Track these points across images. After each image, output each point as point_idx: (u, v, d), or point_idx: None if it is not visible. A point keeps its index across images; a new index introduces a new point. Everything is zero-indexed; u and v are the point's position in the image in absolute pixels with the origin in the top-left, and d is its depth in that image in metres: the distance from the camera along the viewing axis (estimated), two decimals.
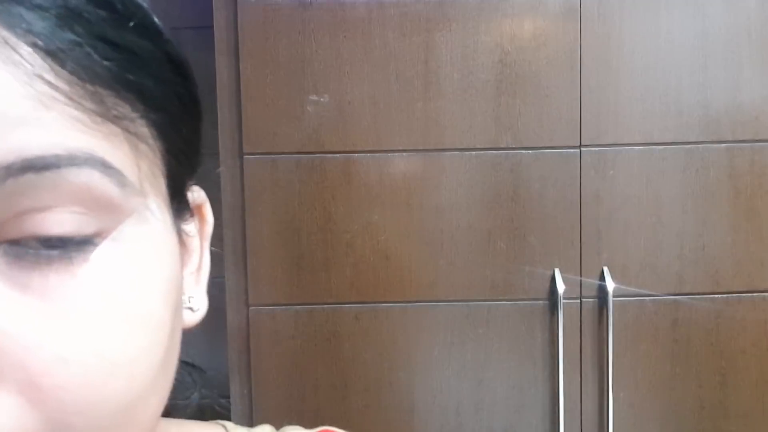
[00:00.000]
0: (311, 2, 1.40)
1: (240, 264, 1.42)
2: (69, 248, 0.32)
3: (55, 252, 0.31)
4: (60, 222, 0.31)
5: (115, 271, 0.33)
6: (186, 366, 0.50)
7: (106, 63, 0.32)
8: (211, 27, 1.42)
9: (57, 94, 0.31)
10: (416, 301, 1.44)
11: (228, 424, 0.52)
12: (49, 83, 0.31)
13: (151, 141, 0.35)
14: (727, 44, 1.39)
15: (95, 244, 0.32)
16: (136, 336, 0.33)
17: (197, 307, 0.42)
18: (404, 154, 1.42)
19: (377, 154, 1.42)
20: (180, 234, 0.40)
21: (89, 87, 0.32)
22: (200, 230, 0.43)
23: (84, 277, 0.32)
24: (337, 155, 1.42)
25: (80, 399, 0.31)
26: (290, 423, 0.55)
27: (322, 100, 1.41)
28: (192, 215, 0.42)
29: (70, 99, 0.31)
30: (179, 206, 0.39)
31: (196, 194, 0.43)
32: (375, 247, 1.43)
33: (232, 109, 1.41)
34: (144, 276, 0.34)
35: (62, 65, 0.31)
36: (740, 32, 1.39)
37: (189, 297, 0.42)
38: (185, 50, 0.38)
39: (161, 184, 0.37)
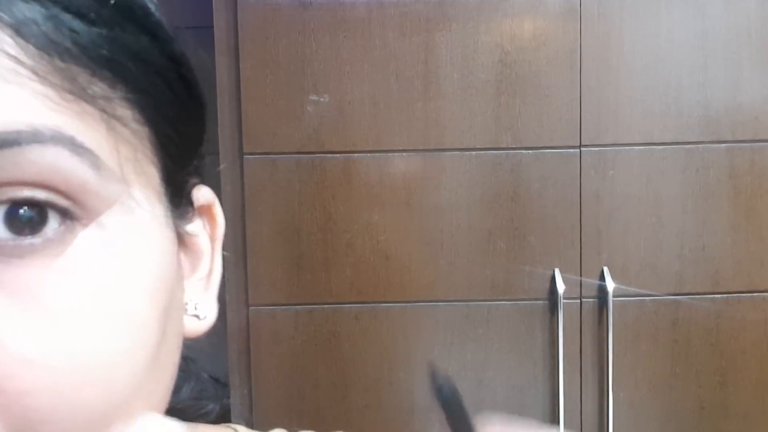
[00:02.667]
0: (311, 2, 1.40)
1: (240, 264, 1.42)
2: (42, 237, 0.29)
3: (26, 241, 0.29)
4: (28, 200, 0.29)
5: (94, 265, 0.30)
6: (210, 379, 0.49)
7: (77, 37, 0.30)
8: (211, 27, 1.41)
9: (20, 68, 0.28)
10: (416, 301, 1.43)
11: (239, 427, 0.51)
12: (11, 57, 0.28)
13: (133, 125, 0.33)
14: (727, 44, 1.39)
15: (72, 234, 0.30)
16: (115, 337, 0.30)
17: (204, 314, 0.39)
18: (404, 154, 1.42)
19: (377, 154, 1.42)
20: (181, 233, 0.37)
21: (58, 62, 0.29)
22: (210, 233, 0.41)
23: (58, 271, 0.29)
24: (337, 155, 1.42)
25: (49, 406, 0.28)
26: (291, 423, 0.55)
27: (322, 100, 1.41)
28: (195, 214, 0.39)
29: (35, 74, 0.29)
30: (177, 202, 0.37)
31: (203, 193, 0.40)
32: (375, 247, 1.42)
33: (232, 109, 1.41)
34: (127, 271, 0.31)
35: (26, 39, 0.29)
36: (740, 32, 1.39)
37: (195, 304, 0.39)
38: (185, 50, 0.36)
39: (152, 174, 0.34)
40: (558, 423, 1.43)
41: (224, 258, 0.41)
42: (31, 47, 0.29)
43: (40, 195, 0.29)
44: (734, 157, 1.41)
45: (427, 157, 1.42)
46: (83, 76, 0.30)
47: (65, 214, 0.30)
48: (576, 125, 1.41)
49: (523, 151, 1.41)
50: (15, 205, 0.28)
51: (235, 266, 1.42)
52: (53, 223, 0.29)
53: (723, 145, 1.41)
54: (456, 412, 0.29)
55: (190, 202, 0.39)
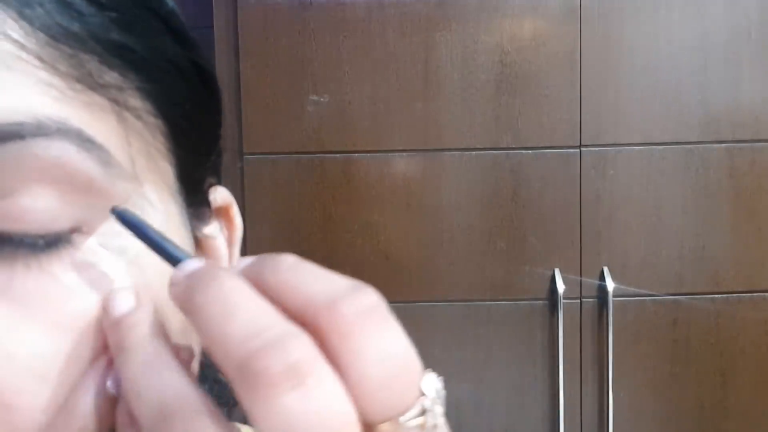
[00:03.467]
0: (311, 2, 1.39)
1: None
2: (47, 242, 0.26)
3: (31, 246, 0.26)
4: (28, 211, 0.26)
5: (105, 272, 0.28)
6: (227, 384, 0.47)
7: (86, 21, 0.28)
8: (211, 27, 1.41)
9: (24, 54, 0.26)
10: (416, 301, 1.43)
11: (244, 427, 0.49)
12: (14, 41, 0.26)
13: (146, 117, 0.30)
14: (727, 44, 1.39)
15: (80, 239, 0.27)
16: None
17: None
18: (404, 154, 1.42)
19: (377, 154, 1.42)
20: (197, 236, 0.35)
21: (65, 48, 0.27)
22: (228, 236, 0.38)
23: (67, 279, 0.27)
24: (337, 155, 1.41)
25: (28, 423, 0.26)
26: None
27: (322, 99, 1.41)
28: (212, 215, 0.37)
29: (41, 60, 0.26)
30: (193, 201, 0.34)
31: (221, 195, 0.37)
32: (375, 247, 1.42)
33: (232, 110, 1.41)
34: (141, 279, 0.29)
35: (30, 21, 0.26)
36: (740, 32, 1.38)
37: None
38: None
39: (166, 172, 0.32)
40: (558, 423, 1.42)
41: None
42: (36, 31, 0.26)
43: (45, 194, 0.26)
44: (734, 157, 1.40)
45: (427, 157, 1.42)
46: (92, 64, 0.28)
47: (72, 216, 0.27)
48: (576, 125, 1.40)
49: (523, 151, 1.41)
50: (17, 205, 0.26)
51: None
52: (59, 225, 0.27)
53: (723, 145, 1.40)
54: (138, 225, 0.28)
55: (207, 203, 0.36)
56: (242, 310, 0.24)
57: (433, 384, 0.26)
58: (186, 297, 0.25)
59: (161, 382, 0.24)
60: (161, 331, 0.26)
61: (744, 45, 1.39)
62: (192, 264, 0.26)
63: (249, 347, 0.23)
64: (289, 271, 0.26)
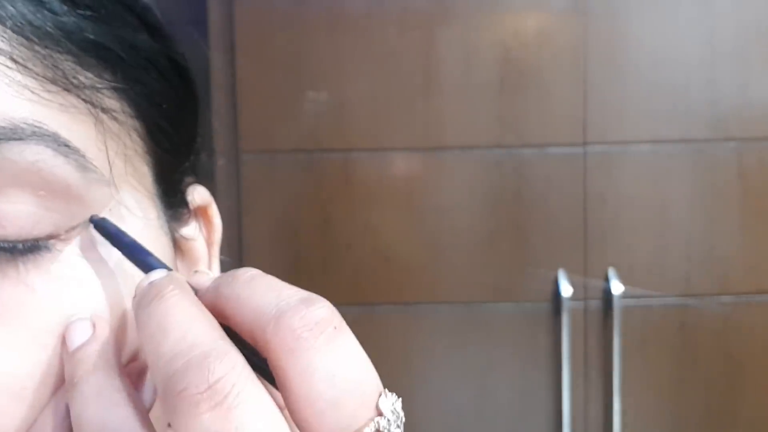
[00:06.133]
0: None
1: (236, 266, 1.40)
2: (23, 250, 0.26)
3: (4, 255, 0.26)
4: (5, 216, 0.25)
5: (82, 284, 0.27)
6: None
7: (59, 20, 0.27)
8: (206, 22, 1.40)
9: None
10: (416, 303, 1.41)
11: None
12: None
13: (122, 118, 0.30)
14: (736, 40, 1.38)
15: (57, 247, 0.27)
16: None
17: None
18: (404, 152, 1.41)
19: (376, 153, 1.40)
20: (176, 238, 0.34)
21: (38, 48, 0.26)
22: (207, 236, 0.38)
23: (43, 291, 0.26)
24: (336, 153, 1.40)
25: None
26: None
27: (320, 96, 1.39)
28: (190, 216, 0.37)
29: (13, 61, 0.26)
30: (171, 203, 0.34)
31: (199, 194, 0.37)
32: (374, 247, 1.41)
33: (228, 107, 1.40)
34: (119, 290, 0.28)
35: (2, 22, 0.26)
36: (749, 28, 1.37)
37: None
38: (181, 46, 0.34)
39: (144, 174, 0.31)
40: (562, 430, 1.41)
41: (222, 263, 0.39)
42: (8, 31, 0.26)
43: (23, 198, 0.26)
44: (743, 155, 1.39)
45: (427, 156, 1.40)
46: (67, 64, 0.27)
47: (51, 221, 0.26)
48: (581, 123, 1.39)
49: (527, 150, 1.40)
50: None
51: (231, 268, 1.40)
52: (39, 230, 0.26)
53: (732, 143, 1.39)
54: (116, 235, 0.28)
55: (185, 203, 0.36)
56: (176, 328, 0.24)
57: (391, 404, 0.25)
58: (134, 312, 0.25)
59: (102, 418, 0.24)
60: (112, 362, 0.26)
61: (753, 40, 1.38)
62: (154, 276, 0.26)
63: (175, 366, 0.23)
64: (244, 284, 0.26)
